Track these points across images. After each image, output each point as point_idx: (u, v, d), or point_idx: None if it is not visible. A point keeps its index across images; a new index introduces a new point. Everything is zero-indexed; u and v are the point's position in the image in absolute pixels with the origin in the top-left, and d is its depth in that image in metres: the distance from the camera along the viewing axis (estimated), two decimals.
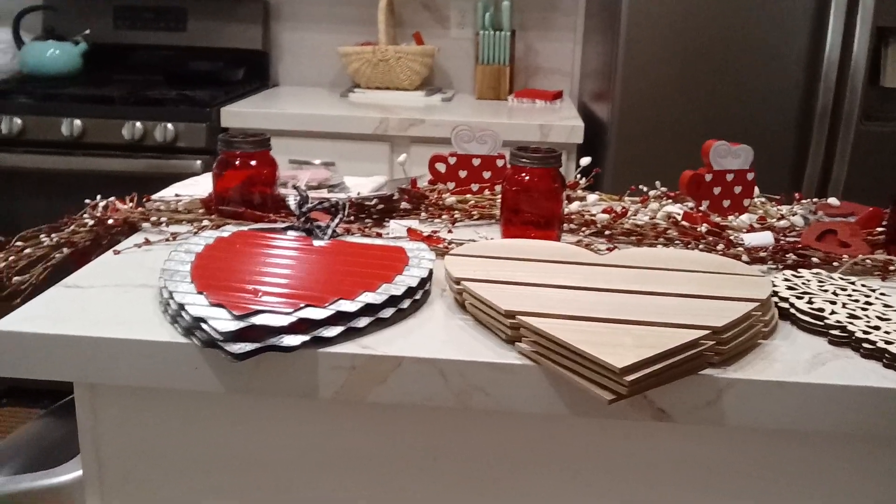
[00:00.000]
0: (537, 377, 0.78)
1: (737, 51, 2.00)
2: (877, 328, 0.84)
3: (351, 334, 0.82)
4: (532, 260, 0.95)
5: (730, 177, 1.27)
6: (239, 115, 2.28)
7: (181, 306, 0.81)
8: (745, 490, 0.84)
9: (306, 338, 0.78)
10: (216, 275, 0.88)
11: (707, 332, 0.77)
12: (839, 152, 2.03)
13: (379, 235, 1.08)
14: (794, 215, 1.24)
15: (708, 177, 1.25)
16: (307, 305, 0.81)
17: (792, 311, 0.90)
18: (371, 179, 1.42)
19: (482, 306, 0.84)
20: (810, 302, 0.91)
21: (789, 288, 0.95)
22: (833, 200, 1.27)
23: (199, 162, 2.24)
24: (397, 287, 0.87)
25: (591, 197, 1.22)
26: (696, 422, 0.78)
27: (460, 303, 0.89)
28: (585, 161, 1.32)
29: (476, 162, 1.30)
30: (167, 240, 1.08)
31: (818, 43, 1.97)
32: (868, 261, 1.06)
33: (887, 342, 0.81)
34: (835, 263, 1.06)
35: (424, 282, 0.91)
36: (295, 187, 1.03)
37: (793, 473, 0.83)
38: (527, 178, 1.08)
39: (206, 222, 1.11)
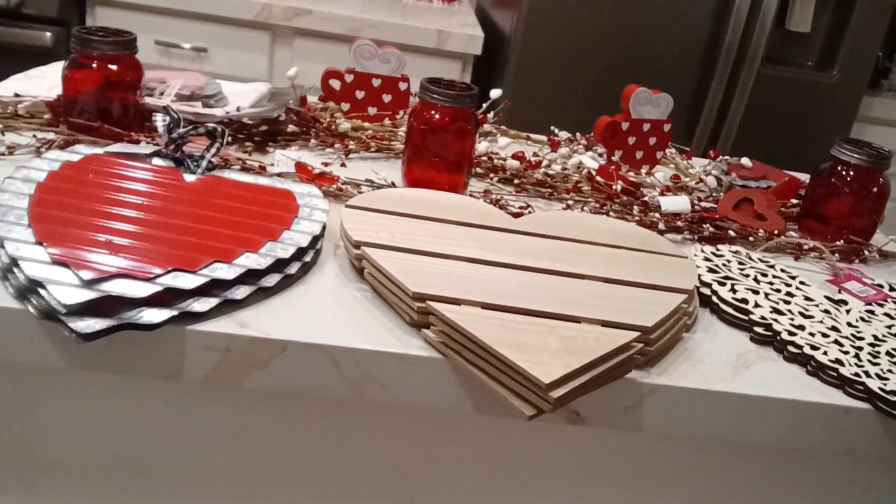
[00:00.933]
0: (443, 371, 0.68)
1: None
2: (801, 327, 0.79)
3: (226, 307, 0.69)
4: (441, 221, 0.83)
5: (646, 127, 1.18)
6: None
7: (14, 261, 0.66)
8: (661, 495, 0.79)
9: (172, 313, 0.65)
10: (61, 216, 0.72)
11: (636, 332, 0.69)
12: (738, 92, 1.99)
13: (263, 169, 0.93)
14: (707, 174, 1.18)
15: (625, 125, 1.17)
16: (174, 269, 0.67)
17: (714, 299, 0.83)
18: (252, 87, 1.25)
19: (385, 281, 0.72)
20: (733, 290, 0.84)
21: (711, 270, 0.88)
22: (745, 161, 1.22)
23: (48, 34, 1.96)
24: (284, 247, 0.74)
25: (503, 140, 1.11)
26: (613, 426, 0.71)
27: (357, 269, 0.78)
28: (496, 93, 1.20)
29: (376, 83, 1.16)
30: (2, 154, 0.89)
31: None
32: (783, 239, 1.01)
33: (812, 346, 0.76)
34: (751, 238, 1.01)
35: (316, 240, 0.78)
36: (165, 109, 0.87)
37: (710, 480, 0.78)
38: (437, 116, 0.96)
39: (52, 136, 0.92)
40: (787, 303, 0.84)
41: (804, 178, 1.29)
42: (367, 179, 0.98)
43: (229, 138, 1.05)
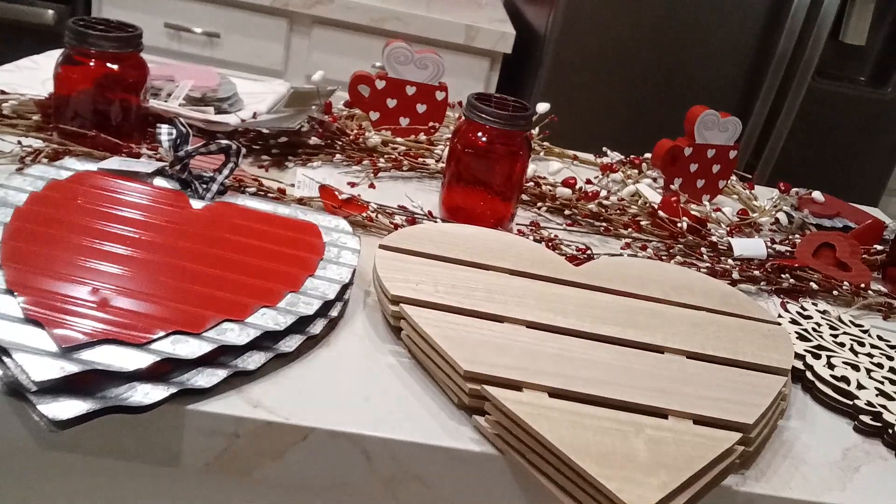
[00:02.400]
0: (499, 471, 0.55)
1: None
2: None
3: (235, 379, 0.56)
4: (492, 268, 0.70)
5: (711, 153, 1.05)
6: None
7: None
8: None
9: (170, 390, 0.52)
10: (39, 254, 0.59)
11: (737, 433, 0.56)
12: (787, 105, 1.85)
13: (282, 193, 0.80)
14: (776, 210, 1.05)
15: (687, 150, 1.04)
16: (174, 332, 0.55)
17: (810, 376, 0.71)
18: (269, 87, 1.12)
19: (429, 351, 0.60)
20: (830, 365, 0.72)
21: (801, 337, 0.76)
22: (817, 195, 1.09)
23: (51, 12, 1.82)
24: (308, 301, 0.62)
25: (554, 165, 0.98)
26: None
27: (393, 326, 0.65)
28: (543, 108, 1.07)
29: (411, 90, 1.02)
30: None
31: None
32: (871, 294, 0.89)
33: None
34: (835, 292, 0.88)
35: (345, 289, 0.66)
36: (172, 118, 0.74)
37: None
38: (485, 138, 0.83)
39: (38, 143, 0.79)
40: (894, 382, 0.71)
41: (880, 215, 1.17)
42: (400, 206, 0.85)
43: (243, 150, 0.91)
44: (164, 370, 0.53)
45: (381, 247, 0.70)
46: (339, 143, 0.96)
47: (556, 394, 0.56)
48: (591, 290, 0.71)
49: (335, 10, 1.90)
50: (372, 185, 0.92)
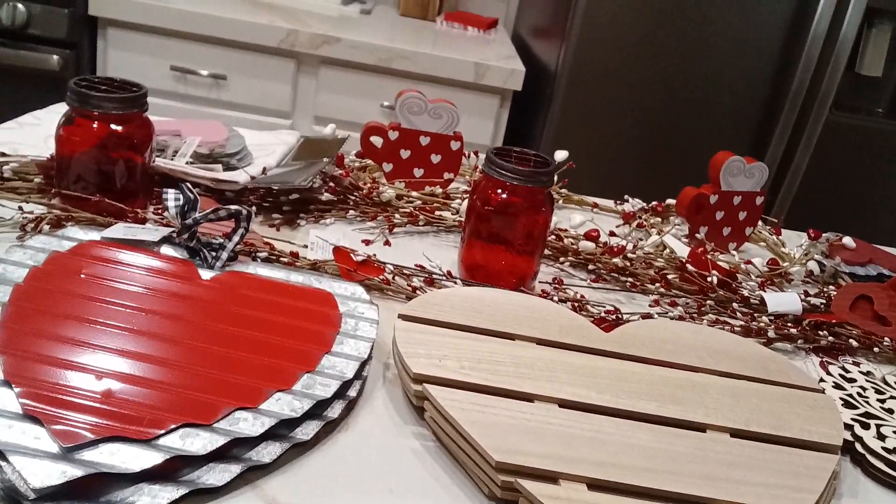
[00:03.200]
0: None
1: (716, 11, 1.72)
2: None
3: (250, 474, 0.52)
4: (518, 337, 0.67)
5: (737, 200, 1.02)
6: (111, 2, 1.84)
7: None
8: None
9: (180, 491, 0.48)
10: (39, 340, 0.56)
11: None
12: (804, 140, 1.82)
13: (295, 257, 0.77)
14: (807, 259, 1.01)
15: (713, 199, 1.00)
16: (184, 425, 0.51)
17: (860, 448, 0.66)
18: (278, 138, 1.09)
19: (456, 436, 0.56)
20: (880, 435, 0.67)
21: (846, 404, 0.71)
22: (848, 241, 1.05)
23: (56, 58, 1.80)
24: (325, 382, 0.58)
25: (576, 217, 0.94)
26: None
27: (416, 405, 0.61)
28: (561, 156, 1.04)
29: (425, 141, 0.99)
30: None
31: (804, 16, 1.72)
32: None
33: None
34: (875, 349, 0.84)
35: (364, 365, 0.62)
36: (179, 183, 0.70)
37: None
38: (505, 195, 0.79)
39: (40, 209, 0.76)
40: None
41: None
42: (418, 265, 0.81)
43: (254, 208, 0.88)
44: (173, 467, 0.49)
45: (402, 316, 0.67)
46: (353, 197, 0.92)
47: (595, 486, 0.52)
48: (624, 360, 0.67)
49: (342, 51, 1.88)
50: (387, 243, 0.88)
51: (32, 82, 1.84)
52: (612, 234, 0.95)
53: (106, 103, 0.75)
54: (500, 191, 0.79)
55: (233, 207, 0.70)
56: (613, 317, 0.78)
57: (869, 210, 1.92)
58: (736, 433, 0.60)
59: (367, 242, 0.87)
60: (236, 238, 0.70)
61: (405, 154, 0.99)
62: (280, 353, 0.59)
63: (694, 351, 0.70)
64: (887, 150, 1.88)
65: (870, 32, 1.83)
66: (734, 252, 0.99)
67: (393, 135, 0.98)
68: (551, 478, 0.52)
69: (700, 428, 0.60)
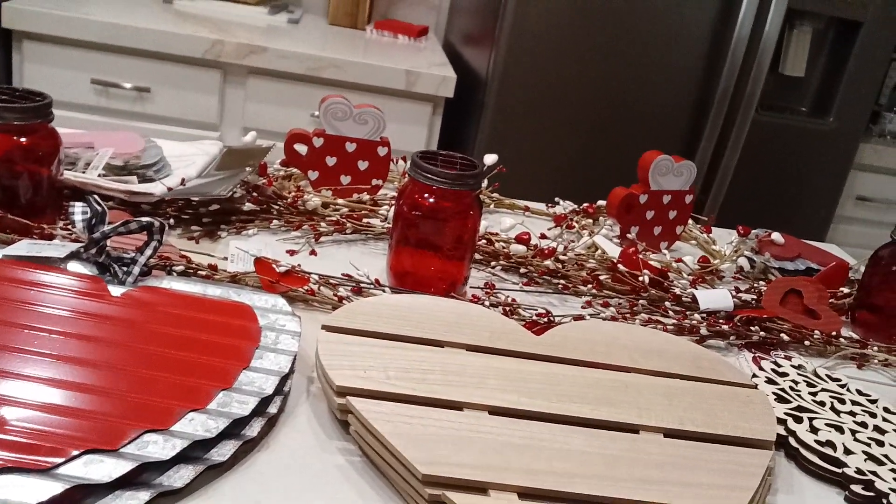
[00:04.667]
0: None
1: (642, 15, 1.74)
2: None
3: (162, 500, 0.49)
4: (447, 344, 0.64)
5: (666, 199, 1.01)
6: (26, 14, 1.76)
7: None
8: None
9: None
10: None
11: None
12: (732, 140, 1.84)
13: (213, 270, 0.73)
14: (737, 256, 1.01)
15: (643, 198, 0.99)
16: (87, 451, 0.47)
17: (793, 442, 0.66)
18: (199, 148, 1.05)
19: (382, 451, 0.53)
20: (813, 429, 0.67)
21: (779, 398, 0.71)
22: (777, 236, 1.06)
23: None
24: (242, 399, 0.55)
25: (507, 220, 0.92)
26: None
27: (341, 419, 0.58)
28: (491, 159, 1.02)
29: (351, 147, 0.97)
30: None
31: (728, 18, 1.75)
32: (844, 343, 0.85)
33: None
34: (806, 342, 0.84)
35: (284, 380, 0.59)
36: (85, 195, 0.66)
37: None
38: (432, 200, 0.77)
39: None
40: (881, 444, 0.67)
41: (838, 252, 1.14)
42: (345, 274, 0.79)
43: (171, 220, 0.85)
44: (75, 498, 0.46)
45: (325, 327, 0.64)
46: (276, 207, 0.89)
47: (526, 495, 0.50)
48: (555, 363, 0.65)
49: (270, 60, 1.84)
50: (313, 252, 0.86)
51: None
52: (542, 236, 0.94)
53: (6, 114, 0.71)
54: (426, 195, 0.77)
55: (144, 219, 0.67)
56: (545, 320, 0.76)
57: (796, 206, 1.96)
58: (669, 433, 0.59)
59: (291, 253, 0.84)
60: (149, 251, 0.67)
61: (331, 161, 0.97)
62: (193, 371, 0.56)
63: (626, 351, 0.68)
64: (812, 147, 1.92)
65: (791, 34, 1.87)
66: (665, 251, 0.99)
67: (318, 141, 0.96)
68: (481, 489, 0.50)
69: (634, 429, 0.59)
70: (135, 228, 0.66)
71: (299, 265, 0.77)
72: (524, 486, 0.50)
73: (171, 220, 0.85)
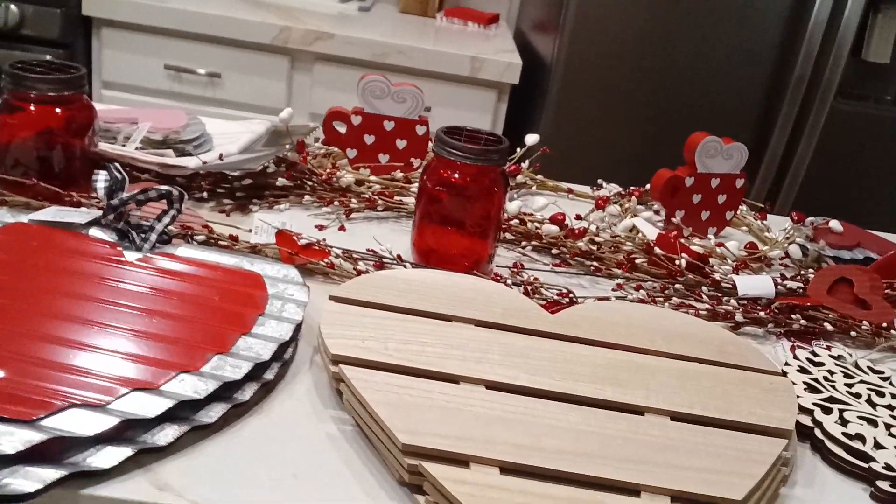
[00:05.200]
0: None
1: (713, 0, 1.68)
2: None
3: (142, 457, 0.49)
4: (454, 319, 0.63)
5: (715, 182, 0.97)
6: (104, 2, 1.83)
7: None
8: None
9: (60, 473, 0.45)
10: None
11: None
12: (808, 129, 1.76)
13: (234, 240, 0.74)
14: (788, 242, 0.96)
15: (689, 181, 0.96)
16: (73, 406, 0.48)
17: (819, 434, 0.62)
18: (246, 126, 1.06)
19: (368, 419, 0.52)
20: (843, 420, 0.63)
21: (810, 388, 0.67)
22: (835, 224, 1.00)
23: (49, 58, 1.80)
24: (236, 364, 0.55)
25: (539, 200, 0.90)
26: None
27: (335, 388, 0.58)
28: (532, 139, 1.00)
29: (389, 125, 0.96)
30: None
31: (805, 2, 1.67)
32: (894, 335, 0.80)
33: None
34: (852, 333, 0.79)
35: (285, 347, 0.59)
36: (106, 163, 0.68)
37: None
38: (457, 175, 0.76)
39: None
40: None
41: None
42: (370, 249, 0.78)
43: (205, 194, 0.86)
44: (54, 450, 0.47)
45: (333, 297, 0.64)
46: (310, 183, 0.90)
47: (508, 470, 0.49)
48: (568, 342, 0.63)
49: (336, 46, 1.86)
50: (342, 228, 0.85)
51: None
52: (578, 217, 0.91)
53: (41, 84, 0.73)
54: (451, 171, 0.76)
55: (164, 188, 0.68)
56: (567, 300, 0.74)
57: (877, 200, 1.85)
58: (677, 416, 0.57)
59: (320, 228, 0.84)
60: (166, 219, 0.68)
61: (370, 140, 0.96)
62: (191, 334, 0.57)
63: (646, 334, 0.66)
64: (894, 138, 1.82)
65: (875, 18, 1.77)
66: (712, 237, 0.95)
67: (356, 120, 0.95)
68: (461, 461, 0.48)
69: (638, 411, 0.56)
70: (154, 196, 0.68)
71: (325, 239, 0.77)
72: (507, 460, 0.49)
73: (206, 194, 0.86)
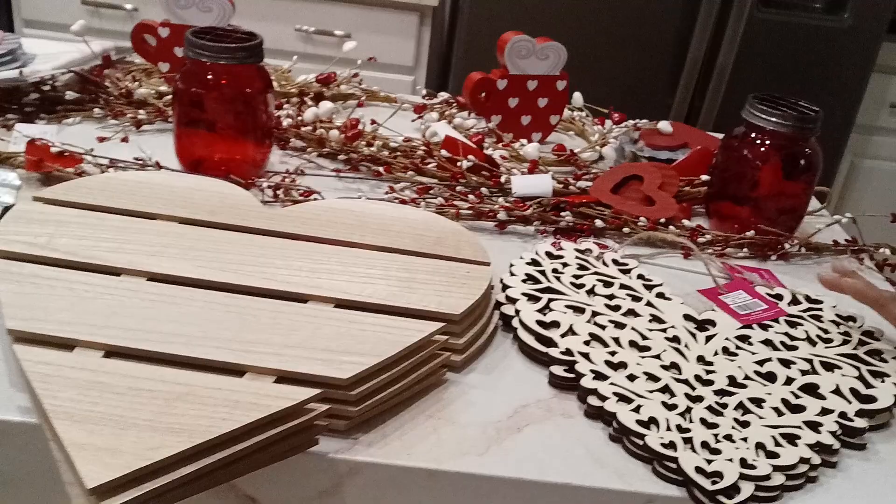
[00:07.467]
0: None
1: None
2: (621, 365, 0.57)
3: None
4: (160, 217, 0.63)
5: (532, 84, 0.95)
6: None
7: None
8: None
9: None
10: None
11: (317, 389, 0.47)
12: (727, 37, 1.69)
13: None
14: (602, 144, 0.94)
15: (501, 83, 0.93)
16: None
17: (515, 323, 0.61)
18: (76, 47, 1.05)
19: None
20: (546, 308, 0.62)
21: (530, 277, 0.66)
22: (664, 125, 0.97)
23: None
24: None
25: (326, 105, 0.89)
26: None
27: None
28: (349, 46, 0.98)
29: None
30: None
31: None
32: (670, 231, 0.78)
33: (623, 398, 0.54)
34: (626, 229, 0.78)
35: None
36: None
37: None
38: (210, 77, 0.75)
39: None
40: (622, 326, 0.61)
41: None
42: (137, 158, 0.78)
43: None
44: None
45: (36, 198, 0.63)
46: (103, 97, 0.89)
47: (113, 353, 0.48)
48: (268, 237, 0.63)
49: None
50: (125, 139, 0.85)
51: None
52: (373, 122, 0.89)
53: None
54: (205, 72, 0.75)
55: None
56: (311, 198, 0.73)
57: None
58: (341, 304, 0.56)
59: (102, 140, 0.84)
60: None
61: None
62: None
63: (357, 229, 0.65)
64: (825, 48, 1.75)
65: None
66: (523, 143, 0.92)
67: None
68: (66, 345, 0.48)
69: (302, 299, 0.56)
70: None
71: (92, 150, 0.77)
72: (112, 343, 0.48)
73: None
